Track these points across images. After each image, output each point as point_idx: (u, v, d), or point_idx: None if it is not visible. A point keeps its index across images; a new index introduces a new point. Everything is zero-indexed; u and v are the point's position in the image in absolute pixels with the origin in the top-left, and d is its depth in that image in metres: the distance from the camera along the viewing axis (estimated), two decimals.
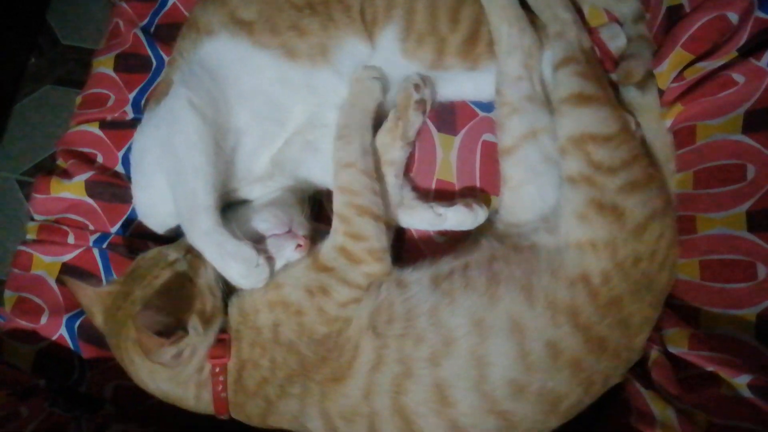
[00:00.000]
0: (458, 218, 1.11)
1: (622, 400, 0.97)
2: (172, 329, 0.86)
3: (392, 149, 1.10)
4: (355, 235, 0.98)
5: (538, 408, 0.87)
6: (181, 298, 0.90)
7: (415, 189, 1.19)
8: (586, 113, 0.98)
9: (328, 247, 0.99)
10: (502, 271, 0.93)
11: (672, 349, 0.94)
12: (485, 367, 0.86)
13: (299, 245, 0.99)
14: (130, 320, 0.89)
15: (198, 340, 0.90)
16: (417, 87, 1.09)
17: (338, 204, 1.02)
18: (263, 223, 1.00)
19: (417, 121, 1.13)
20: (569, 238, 0.94)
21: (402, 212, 1.12)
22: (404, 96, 1.10)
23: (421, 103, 1.11)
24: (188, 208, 0.96)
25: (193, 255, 0.96)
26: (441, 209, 1.11)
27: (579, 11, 1.13)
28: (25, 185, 2.03)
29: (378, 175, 1.07)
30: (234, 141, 1.05)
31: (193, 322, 0.90)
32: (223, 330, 0.95)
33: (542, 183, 1.05)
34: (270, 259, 0.96)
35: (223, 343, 0.92)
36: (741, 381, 0.83)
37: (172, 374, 0.91)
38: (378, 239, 0.99)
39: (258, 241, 0.98)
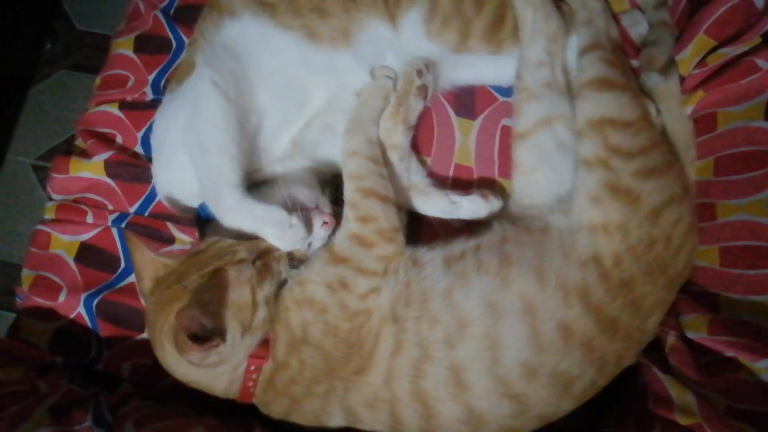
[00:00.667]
0: (473, 208, 1.11)
1: (639, 385, 0.97)
2: (211, 333, 0.84)
3: (395, 134, 1.10)
4: (364, 218, 0.98)
5: (551, 390, 0.87)
6: (231, 304, 0.88)
7: (432, 174, 1.19)
8: (608, 98, 0.98)
9: (341, 237, 0.99)
10: (513, 253, 0.93)
11: (690, 335, 0.94)
12: (498, 349, 0.86)
13: (325, 222, 1.00)
14: (174, 305, 0.87)
15: (232, 351, 0.88)
16: (419, 72, 1.10)
17: (347, 192, 1.02)
18: (291, 198, 1.00)
19: (418, 107, 1.13)
20: (582, 220, 0.94)
21: (417, 198, 1.12)
22: (406, 81, 1.10)
23: (423, 89, 1.11)
24: (214, 186, 0.96)
25: (262, 263, 0.94)
26: (456, 197, 1.11)
27: None
28: (40, 170, 2.04)
29: (384, 160, 1.08)
30: (256, 121, 1.05)
31: (233, 332, 0.88)
32: None
33: (553, 170, 1.05)
34: (304, 219, 0.97)
35: (266, 343, 0.92)
36: (761, 366, 0.84)
37: (201, 370, 0.90)
38: (386, 219, 0.99)
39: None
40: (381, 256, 0.97)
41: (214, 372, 0.90)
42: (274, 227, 0.94)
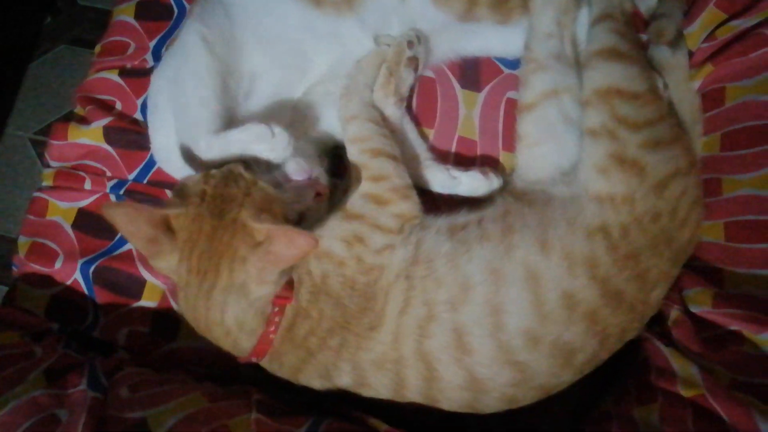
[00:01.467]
0: (472, 184, 1.10)
1: (641, 359, 0.96)
2: None
3: (386, 105, 1.10)
4: (376, 177, 0.97)
5: (552, 361, 0.86)
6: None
7: (435, 148, 1.18)
8: (617, 68, 0.97)
9: (354, 197, 0.98)
10: (516, 223, 0.93)
11: (694, 309, 0.92)
12: (501, 315, 0.85)
13: (318, 194, 0.98)
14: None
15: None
16: (410, 44, 1.08)
17: (353, 154, 1.01)
18: (284, 169, 0.99)
19: (409, 78, 1.12)
20: (588, 190, 0.93)
21: (416, 170, 1.11)
22: (397, 51, 1.09)
23: (413, 60, 1.10)
24: (191, 137, 0.96)
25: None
26: (456, 172, 1.10)
27: None
28: (38, 144, 2.02)
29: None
30: (248, 86, 1.05)
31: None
32: None
33: (558, 143, 1.04)
34: (298, 191, 0.96)
35: (290, 285, 0.89)
36: (765, 338, 0.82)
37: (247, 317, 0.87)
38: (399, 176, 0.98)
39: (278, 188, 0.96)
40: (396, 214, 0.96)
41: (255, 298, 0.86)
42: (259, 142, 0.94)
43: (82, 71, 1.35)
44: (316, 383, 0.91)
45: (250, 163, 0.95)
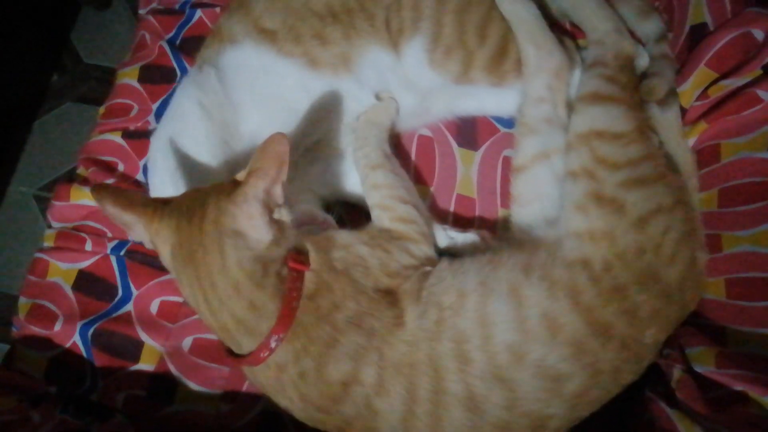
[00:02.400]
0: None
1: (646, 421, 0.94)
2: None
3: None
4: (403, 219, 0.99)
5: (539, 384, 0.85)
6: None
7: (434, 205, 1.19)
8: (598, 111, 1.00)
9: (376, 229, 1.00)
10: (502, 257, 0.96)
11: (698, 368, 0.91)
12: (489, 326, 0.87)
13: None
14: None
15: (285, 227, 0.86)
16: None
17: (376, 198, 1.03)
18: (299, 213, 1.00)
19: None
20: (568, 228, 0.95)
21: None
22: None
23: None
24: None
25: None
26: (453, 233, 1.11)
27: None
28: (42, 200, 2.04)
29: None
30: (249, 145, 1.06)
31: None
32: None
33: (548, 200, 1.05)
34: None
35: (302, 254, 0.87)
36: None
37: (258, 271, 0.82)
38: (426, 225, 1.02)
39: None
40: (424, 251, 0.99)
41: (269, 267, 0.83)
42: None
43: (88, 128, 1.37)
44: (346, 366, 0.85)
45: None
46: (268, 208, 0.83)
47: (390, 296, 0.90)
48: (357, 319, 0.86)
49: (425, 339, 0.87)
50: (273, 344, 0.82)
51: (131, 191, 0.93)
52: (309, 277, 0.86)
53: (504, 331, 0.86)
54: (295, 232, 0.88)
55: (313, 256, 0.88)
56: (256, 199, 0.81)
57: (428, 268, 0.97)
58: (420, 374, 0.86)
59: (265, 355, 0.82)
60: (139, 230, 0.87)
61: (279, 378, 0.85)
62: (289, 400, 0.87)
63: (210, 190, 0.85)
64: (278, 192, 0.83)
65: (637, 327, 0.89)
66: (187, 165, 1.01)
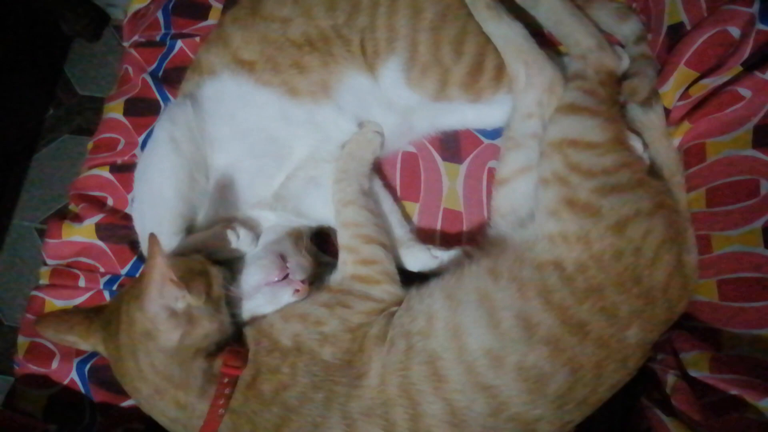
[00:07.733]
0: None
1: (643, 430, 0.93)
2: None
3: None
4: (366, 261, 1.00)
5: (522, 385, 0.85)
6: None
7: (420, 223, 1.19)
8: (572, 120, 1.00)
9: (338, 278, 1.01)
10: (465, 267, 0.98)
11: (693, 373, 0.90)
12: (462, 337, 0.88)
13: (297, 290, 0.97)
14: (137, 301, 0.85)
15: (199, 314, 0.87)
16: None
17: (344, 238, 1.04)
18: (257, 272, 0.99)
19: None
20: (541, 231, 0.96)
21: (398, 251, 1.11)
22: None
23: None
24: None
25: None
26: (438, 252, 1.11)
27: None
28: (44, 234, 2.05)
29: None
30: (224, 177, 1.08)
31: (198, 291, 0.86)
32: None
33: (525, 210, 1.05)
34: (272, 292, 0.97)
35: (238, 353, 0.89)
36: (766, 404, 0.80)
37: (174, 371, 0.86)
38: (390, 263, 1.02)
39: (257, 289, 0.97)
40: (388, 291, 1.00)
41: (191, 371, 0.86)
42: (224, 246, 1.00)
43: (85, 159, 1.38)
44: None
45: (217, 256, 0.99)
46: (168, 306, 0.85)
47: (352, 353, 0.91)
48: (311, 392, 0.87)
49: (394, 372, 0.87)
50: None
51: (70, 312, 1.00)
52: (245, 371, 0.89)
53: (479, 337, 0.87)
54: (228, 317, 0.92)
55: (251, 350, 0.90)
56: (152, 302, 0.84)
57: (394, 309, 0.97)
58: (394, 408, 0.86)
59: None
60: (85, 346, 0.96)
61: None
62: None
63: (126, 294, 0.90)
64: (170, 290, 0.84)
65: (617, 326, 0.89)
66: (154, 199, 1.03)
